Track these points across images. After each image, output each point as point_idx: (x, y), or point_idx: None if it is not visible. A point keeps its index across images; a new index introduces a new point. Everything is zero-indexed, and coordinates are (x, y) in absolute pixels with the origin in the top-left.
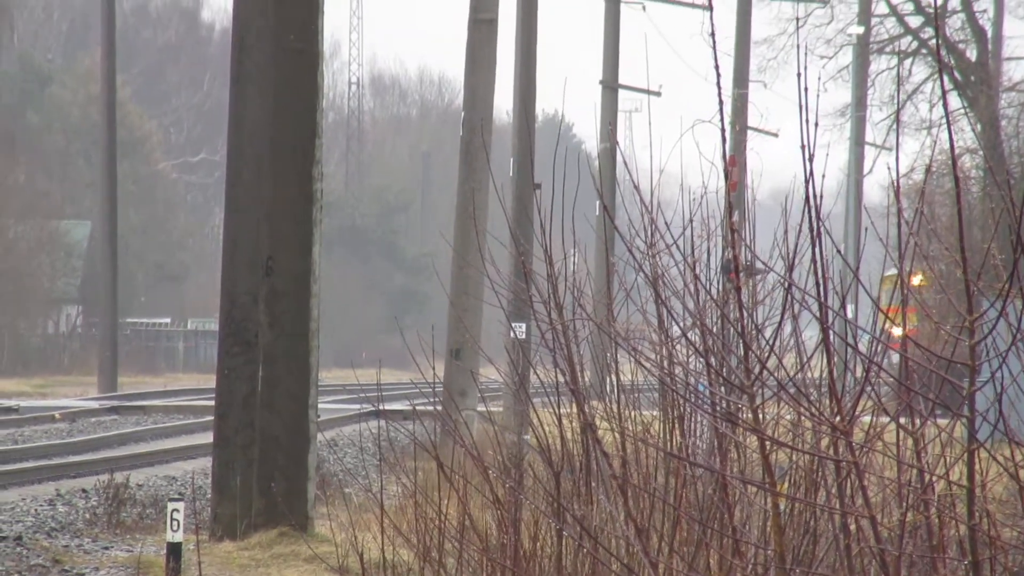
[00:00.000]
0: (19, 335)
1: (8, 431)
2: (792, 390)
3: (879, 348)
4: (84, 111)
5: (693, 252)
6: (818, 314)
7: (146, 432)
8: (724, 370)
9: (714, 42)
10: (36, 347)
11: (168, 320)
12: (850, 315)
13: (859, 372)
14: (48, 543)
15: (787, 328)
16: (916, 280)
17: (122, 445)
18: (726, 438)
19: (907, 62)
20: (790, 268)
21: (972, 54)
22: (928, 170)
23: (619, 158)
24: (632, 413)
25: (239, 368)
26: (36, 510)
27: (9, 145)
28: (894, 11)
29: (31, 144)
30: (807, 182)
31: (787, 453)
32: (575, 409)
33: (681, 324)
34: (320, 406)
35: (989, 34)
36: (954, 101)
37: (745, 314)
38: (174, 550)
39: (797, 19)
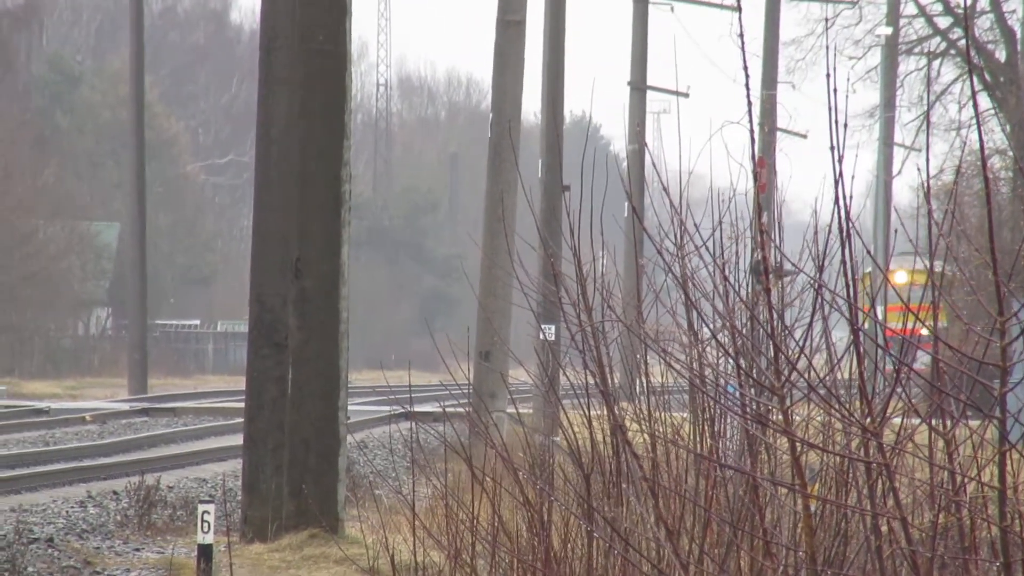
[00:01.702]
0: (49, 337)
1: (39, 433)
2: (822, 391)
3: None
4: (114, 112)
5: (723, 254)
6: (848, 315)
7: (176, 434)
8: (754, 372)
9: (743, 43)
10: (66, 349)
11: (197, 322)
12: (880, 316)
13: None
14: (79, 545)
15: (817, 329)
16: (901, 278)
17: (152, 447)
18: (756, 440)
19: (936, 63)
20: (820, 269)
21: (1001, 55)
22: (958, 171)
23: (648, 159)
24: (662, 415)
25: (269, 370)
26: (67, 512)
27: (39, 146)
28: (923, 12)
29: (61, 145)
30: (837, 183)
31: (817, 454)
32: (605, 411)
33: (711, 326)
34: (350, 408)
35: (1018, 34)
36: (983, 102)
37: (775, 315)
38: (205, 552)
39: (826, 20)
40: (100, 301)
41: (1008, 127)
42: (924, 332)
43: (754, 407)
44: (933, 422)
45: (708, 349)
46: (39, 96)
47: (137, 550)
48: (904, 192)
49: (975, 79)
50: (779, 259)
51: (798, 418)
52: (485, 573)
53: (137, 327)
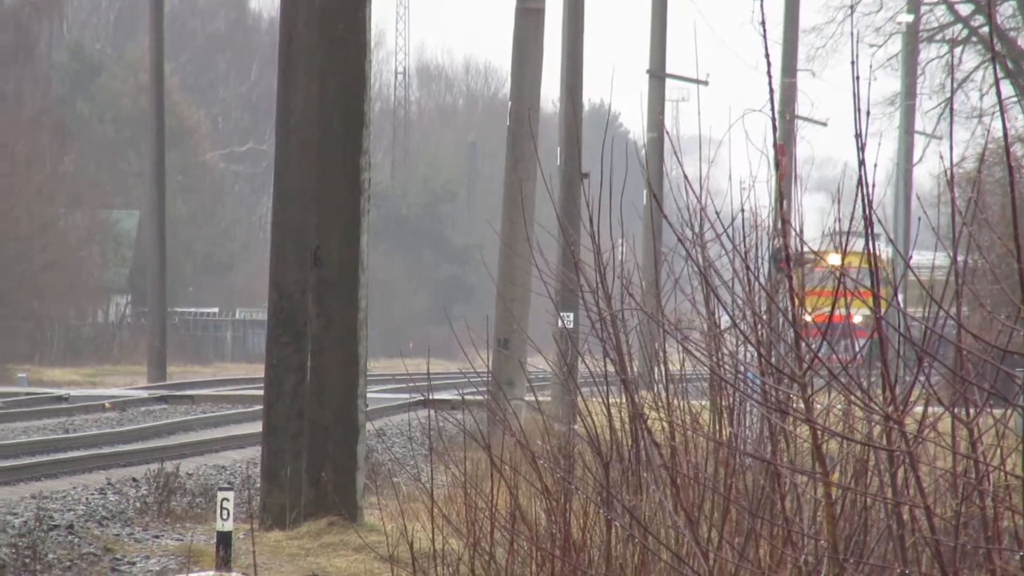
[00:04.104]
0: (69, 325)
1: (59, 420)
2: (844, 379)
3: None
4: (134, 100)
5: (744, 241)
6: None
7: (195, 421)
8: (775, 359)
9: (764, 31)
10: (86, 336)
11: (216, 310)
12: (902, 304)
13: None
14: (99, 532)
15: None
16: (835, 261)
17: (171, 434)
18: (777, 427)
19: (957, 50)
20: (841, 256)
21: (1023, 42)
22: (980, 159)
23: (667, 147)
24: (681, 402)
25: (288, 358)
26: (87, 499)
27: (59, 135)
28: None
29: (81, 134)
30: (860, 170)
31: (838, 442)
32: (624, 398)
33: (731, 313)
34: (369, 395)
35: None
36: (1006, 89)
37: (796, 303)
38: (224, 539)
39: (851, 7)
40: (120, 289)
41: None
42: (857, 320)
43: (775, 395)
44: (956, 410)
45: (728, 337)
46: (59, 84)
47: (156, 537)
48: (925, 180)
49: (997, 66)
50: (800, 246)
51: (819, 406)
52: (504, 560)
53: (156, 315)
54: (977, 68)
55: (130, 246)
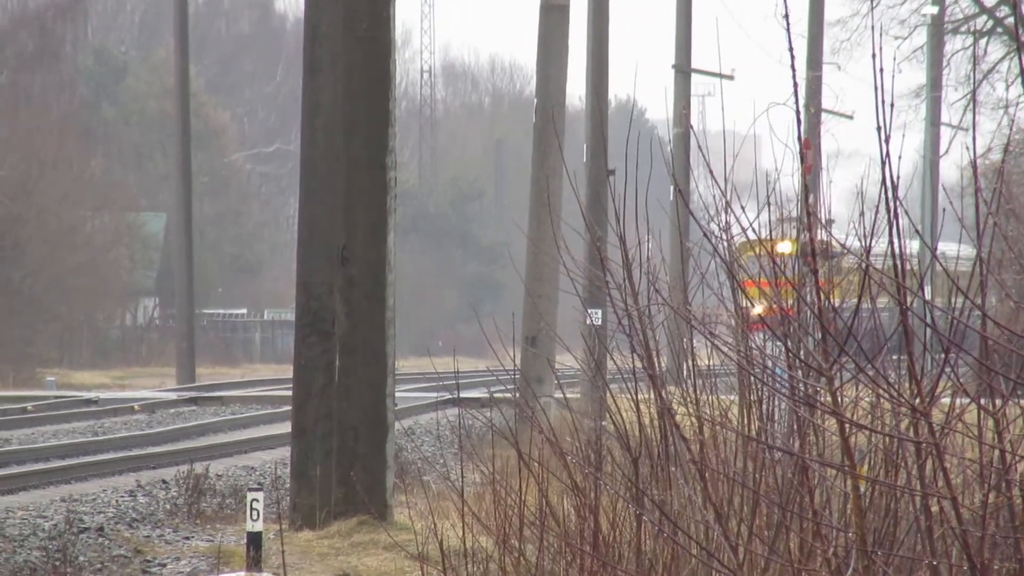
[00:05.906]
0: (97, 327)
1: (88, 423)
2: (871, 372)
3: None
4: (159, 103)
5: (770, 235)
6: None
7: (224, 423)
8: (802, 353)
9: (788, 24)
10: (114, 339)
11: (244, 311)
12: (928, 296)
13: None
14: (129, 534)
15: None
16: (786, 249)
17: (201, 436)
18: (805, 421)
19: (982, 41)
20: (867, 250)
21: None
22: (1006, 150)
23: (693, 142)
24: (709, 398)
25: (316, 358)
26: (117, 501)
27: (85, 138)
28: None
29: (107, 136)
30: (884, 164)
31: (866, 435)
32: (652, 394)
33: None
34: (397, 394)
35: None
36: None
37: (822, 296)
38: (254, 539)
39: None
40: (148, 291)
41: None
42: (757, 310)
43: (802, 389)
44: (983, 401)
45: (755, 331)
46: (85, 87)
47: (187, 538)
48: (951, 171)
49: (1022, 57)
50: (826, 240)
51: (846, 399)
52: (534, 557)
53: (184, 316)
54: (1003, 59)
55: (157, 248)
